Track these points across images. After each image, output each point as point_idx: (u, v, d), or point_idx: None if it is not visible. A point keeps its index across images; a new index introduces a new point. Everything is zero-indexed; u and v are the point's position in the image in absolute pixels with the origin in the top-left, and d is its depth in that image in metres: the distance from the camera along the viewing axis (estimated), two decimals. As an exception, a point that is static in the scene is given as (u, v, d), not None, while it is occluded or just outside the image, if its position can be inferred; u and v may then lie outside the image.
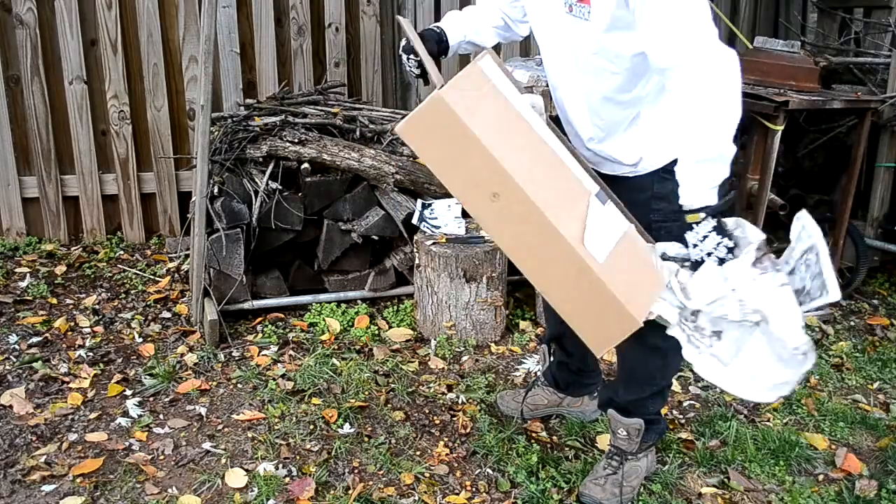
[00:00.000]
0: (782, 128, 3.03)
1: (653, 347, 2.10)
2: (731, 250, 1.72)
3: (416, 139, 1.67)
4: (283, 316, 3.20)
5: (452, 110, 1.59)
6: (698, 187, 1.72)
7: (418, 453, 2.34)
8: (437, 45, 2.09)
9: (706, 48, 1.64)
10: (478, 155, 1.62)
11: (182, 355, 2.86)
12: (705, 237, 1.72)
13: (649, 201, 1.96)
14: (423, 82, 2.10)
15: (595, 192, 1.80)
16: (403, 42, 2.05)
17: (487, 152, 1.61)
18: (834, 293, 1.66)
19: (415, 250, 3.11)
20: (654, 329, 2.10)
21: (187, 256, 3.35)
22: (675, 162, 1.92)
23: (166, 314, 3.18)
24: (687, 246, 1.75)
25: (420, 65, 2.00)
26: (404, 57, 2.05)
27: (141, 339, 2.97)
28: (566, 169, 1.79)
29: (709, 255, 1.72)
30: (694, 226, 1.73)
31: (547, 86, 3.22)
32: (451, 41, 2.10)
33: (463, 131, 1.60)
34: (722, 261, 1.71)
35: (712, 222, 1.71)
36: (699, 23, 1.64)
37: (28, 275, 3.44)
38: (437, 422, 2.50)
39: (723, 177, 1.71)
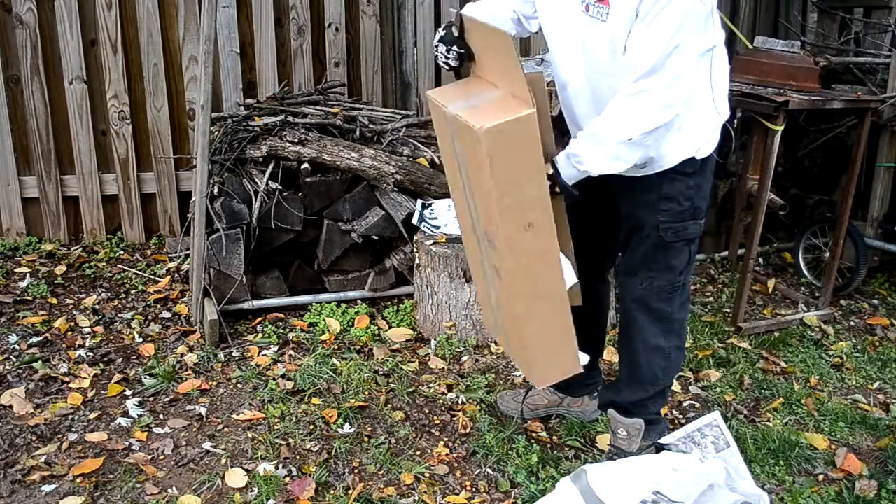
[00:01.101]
0: (782, 128, 3.02)
1: (655, 347, 2.11)
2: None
3: (498, 146, 1.67)
4: (283, 316, 3.20)
5: (537, 129, 1.64)
6: (568, 166, 1.82)
7: (418, 453, 2.33)
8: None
9: (662, 81, 1.72)
10: (536, 185, 1.70)
11: (182, 355, 2.86)
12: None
13: (657, 202, 1.96)
14: (455, 75, 2.05)
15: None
16: (443, 32, 2.00)
17: (543, 185, 1.69)
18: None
19: (415, 250, 3.11)
20: (656, 329, 2.11)
21: (187, 256, 3.35)
22: (683, 163, 1.93)
23: (166, 314, 3.19)
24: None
25: (460, 58, 1.97)
26: (442, 47, 1.99)
27: (141, 339, 2.97)
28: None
29: None
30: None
31: (550, 84, 3.24)
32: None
33: (537, 155, 1.67)
34: None
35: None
36: (675, 52, 1.71)
37: (28, 275, 3.44)
38: (437, 422, 2.50)
39: (582, 176, 1.84)
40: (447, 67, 2.03)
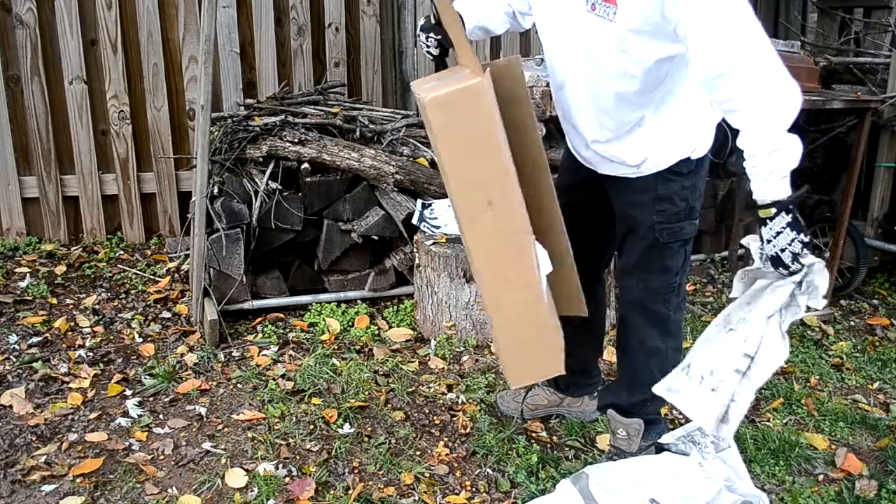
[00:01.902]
0: (782, 128, 3.02)
1: (653, 349, 2.11)
2: (805, 245, 1.65)
3: (443, 118, 1.61)
4: (283, 316, 3.20)
5: (488, 103, 1.55)
6: (768, 180, 1.66)
7: (418, 453, 2.33)
8: None
9: (757, 49, 1.64)
10: (493, 157, 1.60)
11: (182, 355, 2.86)
12: (779, 233, 1.65)
13: (652, 202, 1.95)
14: (436, 66, 2.02)
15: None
16: (423, 21, 2.00)
17: (503, 157, 1.60)
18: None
19: (415, 250, 3.11)
20: (653, 331, 2.11)
21: (187, 256, 3.35)
22: (679, 163, 1.92)
23: (166, 314, 3.19)
24: (762, 242, 1.69)
25: (439, 45, 1.96)
26: (423, 36, 1.99)
27: (141, 339, 2.97)
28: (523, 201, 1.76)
29: (782, 251, 1.65)
30: (768, 221, 1.66)
31: (546, 86, 3.23)
32: (468, 25, 2.05)
33: (488, 129, 1.58)
34: (796, 256, 1.65)
35: (787, 218, 1.65)
36: (748, 25, 1.64)
37: (28, 275, 3.44)
38: (437, 422, 2.50)
39: (791, 167, 1.65)
40: (430, 56, 2.03)
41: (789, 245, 1.65)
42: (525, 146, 1.85)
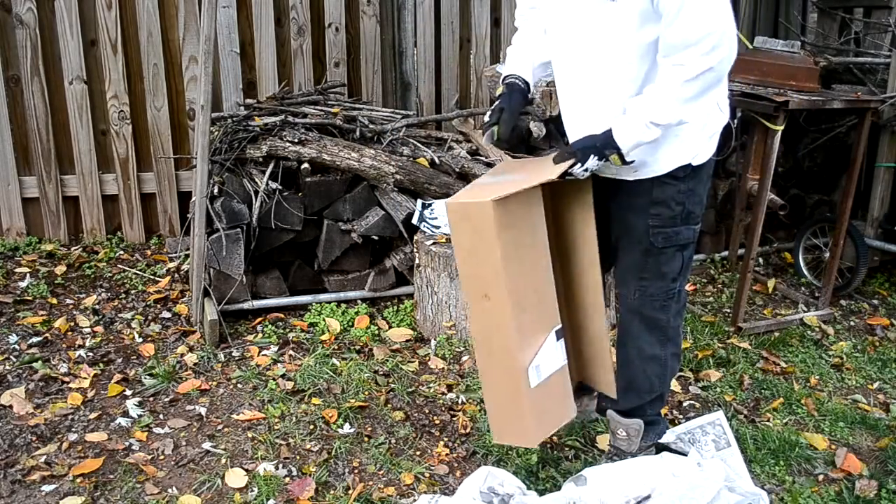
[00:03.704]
0: (782, 128, 3.02)
1: (651, 357, 2.11)
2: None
3: (456, 221, 1.92)
4: (283, 316, 3.20)
5: (493, 222, 1.81)
6: (634, 138, 1.82)
7: (418, 453, 2.33)
8: (524, 98, 2.09)
9: (721, 39, 1.72)
10: (492, 265, 1.87)
11: (182, 355, 2.86)
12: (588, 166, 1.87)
13: (647, 206, 1.95)
14: (492, 136, 2.08)
15: (556, 328, 2.03)
16: (500, 104, 2.04)
17: (500, 267, 1.86)
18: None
19: (415, 250, 3.11)
20: (651, 339, 2.10)
21: (187, 256, 3.35)
22: (679, 169, 1.92)
23: (166, 314, 3.19)
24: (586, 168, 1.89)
25: (493, 112, 2.02)
26: (497, 110, 2.03)
27: (141, 339, 2.97)
28: (552, 300, 2.03)
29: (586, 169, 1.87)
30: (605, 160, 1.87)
31: (546, 86, 3.24)
32: (532, 80, 2.10)
33: (491, 242, 1.85)
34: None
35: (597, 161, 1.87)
36: (721, 13, 1.71)
37: (28, 275, 3.44)
38: (437, 422, 2.50)
39: (647, 142, 1.83)
40: (489, 123, 2.07)
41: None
42: (576, 245, 2.11)
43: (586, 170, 1.87)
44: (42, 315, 3.10)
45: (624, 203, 2.00)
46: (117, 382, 2.65)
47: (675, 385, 2.74)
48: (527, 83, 2.07)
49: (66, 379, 2.66)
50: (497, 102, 2.05)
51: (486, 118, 2.05)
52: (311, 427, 2.43)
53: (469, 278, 1.96)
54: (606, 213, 2.08)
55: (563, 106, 2.05)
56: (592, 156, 1.85)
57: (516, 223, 1.92)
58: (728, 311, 3.41)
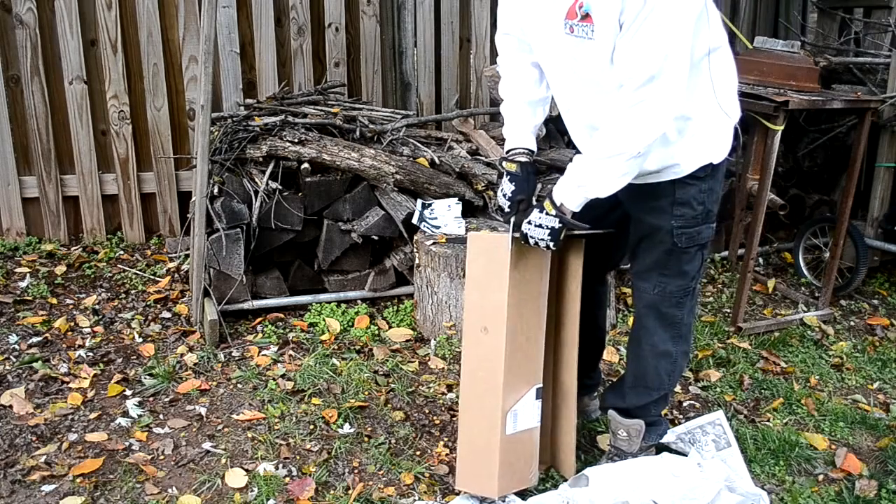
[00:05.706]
0: (782, 128, 3.02)
1: (664, 353, 2.11)
2: (553, 234, 1.90)
3: (474, 252, 2.04)
4: (283, 316, 3.20)
5: (508, 258, 1.96)
6: (575, 194, 1.86)
7: (418, 453, 2.34)
8: (537, 176, 2.18)
9: (659, 89, 1.70)
10: (498, 299, 1.97)
11: (182, 355, 2.86)
12: (538, 224, 1.91)
13: (671, 207, 1.95)
14: (503, 214, 2.17)
15: (537, 386, 2.10)
16: (509, 184, 2.07)
17: (504, 303, 1.97)
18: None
19: (415, 250, 3.11)
20: (665, 335, 2.11)
21: (187, 256, 3.35)
22: (700, 169, 1.92)
23: (166, 314, 3.19)
24: (530, 221, 1.94)
25: (512, 203, 2.05)
26: (506, 186, 2.07)
27: (141, 339, 2.97)
28: (538, 355, 2.11)
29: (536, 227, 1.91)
30: (542, 211, 1.90)
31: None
32: (535, 142, 2.14)
33: (502, 277, 1.97)
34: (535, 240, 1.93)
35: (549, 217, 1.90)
36: (667, 58, 1.69)
37: (28, 275, 3.44)
38: (437, 422, 2.50)
39: (582, 194, 1.86)
40: (503, 200, 2.11)
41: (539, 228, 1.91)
42: (563, 298, 2.19)
43: (543, 239, 1.92)
44: (42, 315, 3.10)
45: (645, 205, 2.00)
46: (117, 382, 2.65)
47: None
48: (532, 152, 2.11)
49: (66, 379, 2.66)
50: (513, 189, 2.07)
51: (503, 203, 2.09)
52: (311, 427, 2.43)
53: (472, 308, 2.04)
54: (621, 215, 2.09)
55: (564, 115, 2.05)
56: (530, 225, 1.93)
57: (528, 267, 2.02)
58: (728, 311, 3.41)
